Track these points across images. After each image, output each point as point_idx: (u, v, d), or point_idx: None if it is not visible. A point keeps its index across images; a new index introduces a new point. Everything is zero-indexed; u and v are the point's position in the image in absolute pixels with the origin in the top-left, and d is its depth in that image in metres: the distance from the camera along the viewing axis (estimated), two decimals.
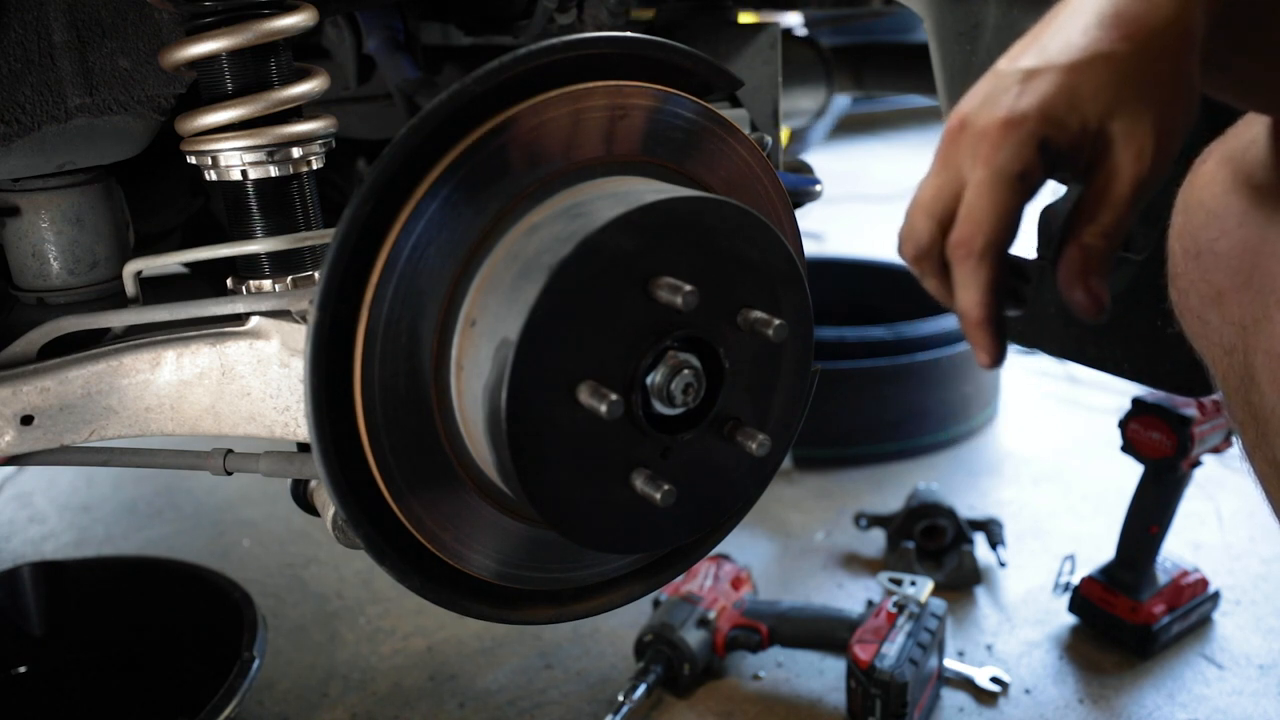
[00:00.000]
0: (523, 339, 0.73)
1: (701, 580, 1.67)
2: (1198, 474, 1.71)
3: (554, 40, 0.79)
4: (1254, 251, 0.83)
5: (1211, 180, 0.86)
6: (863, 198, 4.48)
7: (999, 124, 0.68)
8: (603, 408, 0.74)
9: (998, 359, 0.73)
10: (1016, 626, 1.74)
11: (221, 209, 1.14)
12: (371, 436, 0.78)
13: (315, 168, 0.99)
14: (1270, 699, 1.55)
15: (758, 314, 0.81)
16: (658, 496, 0.78)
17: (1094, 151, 0.68)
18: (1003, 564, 1.89)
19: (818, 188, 1.31)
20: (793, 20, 2.32)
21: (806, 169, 1.37)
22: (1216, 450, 1.69)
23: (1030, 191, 0.69)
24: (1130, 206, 0.68)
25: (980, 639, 1.71)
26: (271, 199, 0.98)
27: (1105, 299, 0.69)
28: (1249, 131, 0.84)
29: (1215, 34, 0.69)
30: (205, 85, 0.97)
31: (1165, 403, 1.64)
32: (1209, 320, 0.88)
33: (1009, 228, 0.69)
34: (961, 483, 2.25)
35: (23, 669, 1.63)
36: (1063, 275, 0.70)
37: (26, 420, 0.98)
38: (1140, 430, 1.66)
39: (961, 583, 1.84)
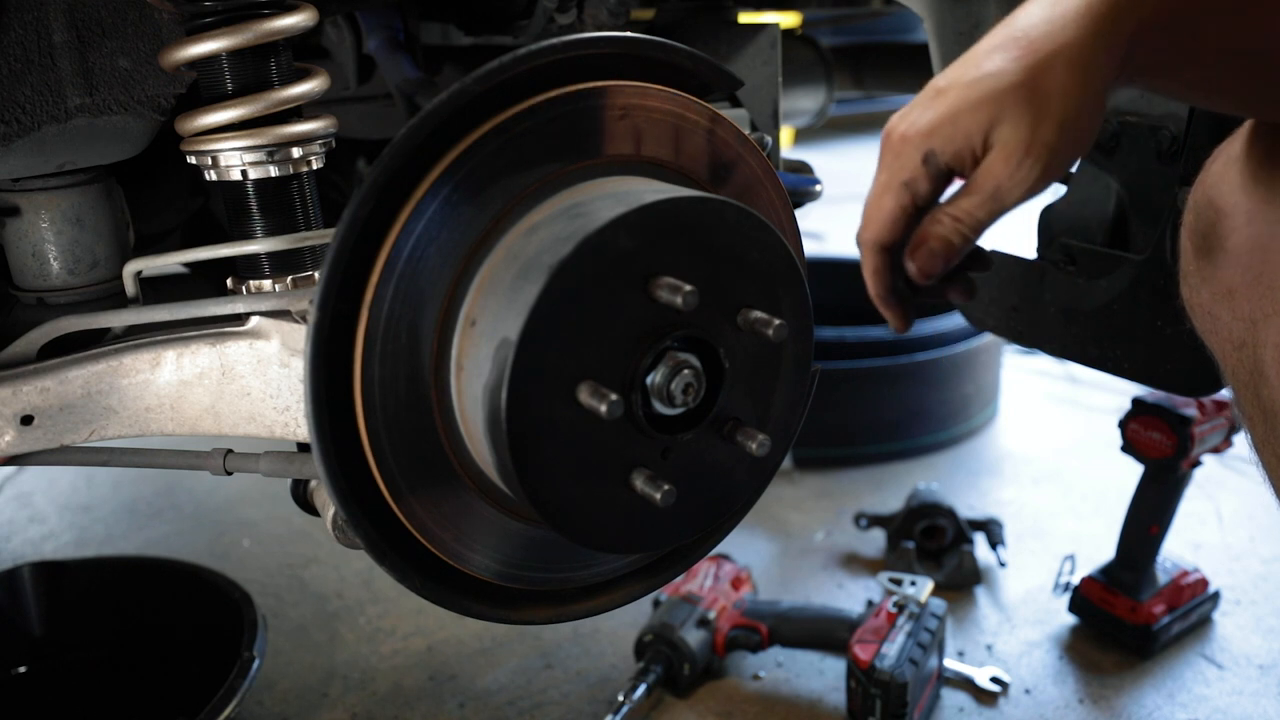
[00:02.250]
0: (523, 339, 0.73)
1: (701, 580, 1.67)
2: (1198, 474, 1.71)
3: (554, 40, 0.79)
4: (1264, 248, 0.84)
5: (1221, 178, 0.87)
6: (862, 198, 4.47)
7: (898, 137, 0.80)
8: (603, 408, 0.74)
9: (901, 329, 0.88)
10: (1016, 626, 1.74)
11: (221, 209, 1.14)
12: (371, 436, 0.78)
13: (315, 168, 0.99)
14: (1270, 699, 1.55)
15: (758, 314, 0.81)
16: (658, 496, 0.78)
17: (980, 156, 0.77)
18: (1003, 564, 1.89)
19: (818, 188, 1.31)
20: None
21: (806, 169, 1.37)
22: (1216, 450, 1.69)
23: (915, 195, 0.80)
24: (988, 201, 0.77)
25: (980, 639, 1.71)
26: (271, 199, 0.98)
27: (931, 272, 0.80)
28: (1258, 129, 0.85)
29: (1157, 46, 0.75)
30: (205, 85, 0.96)
31: (1165, 403, 1.64)
32: (1219, 316, 0.89)
33: (890, 224, 0.81)
34: (961, 483, 2.25)
35: (23, 669, 1.63)
36: (909, 243, 0.81)
37: (26, 420, 0.98)
38: (1140, 430, 1.66)
39: (961, 583, 1.84)
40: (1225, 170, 0.87)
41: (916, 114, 0.79)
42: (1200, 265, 0.90)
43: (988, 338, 2.44)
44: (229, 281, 1.01)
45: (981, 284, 0.96)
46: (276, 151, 0.95)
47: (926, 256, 0.80)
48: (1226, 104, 0.84)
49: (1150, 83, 0.81)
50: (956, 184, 0.81)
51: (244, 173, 0.96)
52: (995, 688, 1.57)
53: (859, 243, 0.84)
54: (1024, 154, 0.74)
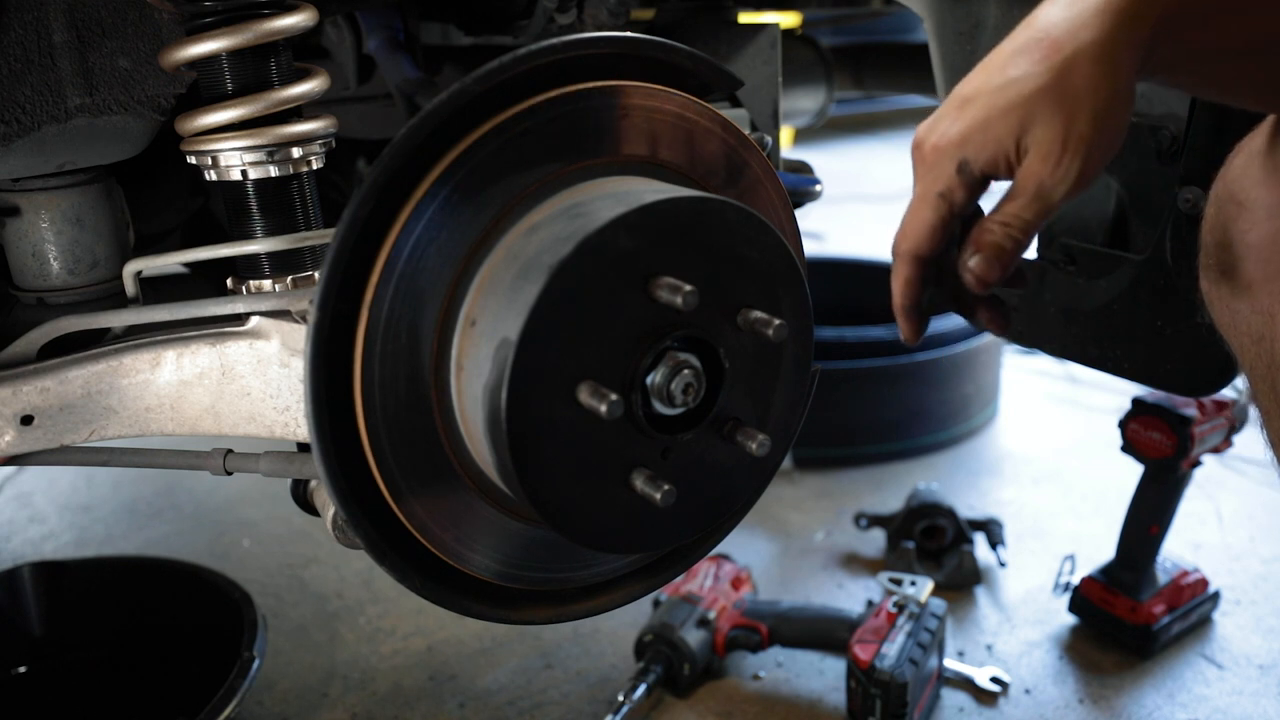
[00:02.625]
0: (523, 339, 0.73)
1: (701, 580, 1.67)
2: (1198, 474, 1.71)
3: (554, 40, 0.79)
4: None
5: (1242, 174, 0.88)
6: (863, 198, 4.48)
7: (930, 148, 0.80)
8: (603, 408, 0.74)
9: (910, 340, 0.88)
10: (1016, 626, 1.74)
11: (221, 209, 1.14)
12: (371, 436, 0.78)
13: (315, 168, 0.99)
14: (1270, 699, 1.55)
15: (758, 314, 0.81)
16: (658, 496, 0.78)
17: (1016, 160, 0.77)
18: (1003, 564, 1.89)
19: (818, 188, 1.31)
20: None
21: (806, 169, 1.37)
22: (1216, 450, 1.69)
23: (952, 206, 0.80)
24: (1033, 202, 0.77)
25: (980, 639, 1.71)
26: (271, 199, 0.98)
27: (988, 279, 0.80)
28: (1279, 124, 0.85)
29: (1178, 40, 0.75)
30: (205, 85, 0.96)
31: (1165, 403, 1.64)
32: (1238, 310, 0.90)
33: (927, 236, 0.82)
34: (961, 483, 2.25)
35: (23, 669, 1.63)
36: (962, 249, 0.82)
37: (26, 420, 0.98)
38: (1140, 430, 1.66)
39: (961, 583, 1.84)
40: (1246, 165, 0.87)
41: (946, 124, 0.79)
42: (1220, 259, 0.90)
43: (988, 338, 2.44)
44: (229, 281, 1.01)
45: None
46: (276, 151, 0.95)
47: (981, 265, 0.80)
48: (1248, 99, 0.84)
49: (1172, 78, 0.81)
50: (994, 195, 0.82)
51: (244, 173, 0.96)
52: (995, 688, 1.57)
53: (895, 254, 0.84)
54: (1061, 150, 0.75)
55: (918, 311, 0.86)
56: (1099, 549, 1.86)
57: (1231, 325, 0.92)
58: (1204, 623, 1.72)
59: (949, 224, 0.81)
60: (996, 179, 0.79)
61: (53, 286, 1.06)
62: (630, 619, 1.67)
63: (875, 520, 1.99)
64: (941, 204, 0.80)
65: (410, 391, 0.79)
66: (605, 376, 0.77)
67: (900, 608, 1.53)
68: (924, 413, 2.38)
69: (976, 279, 0.81)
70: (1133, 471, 1.72)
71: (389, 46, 1.42)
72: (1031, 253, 1.41)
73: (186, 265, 1.36)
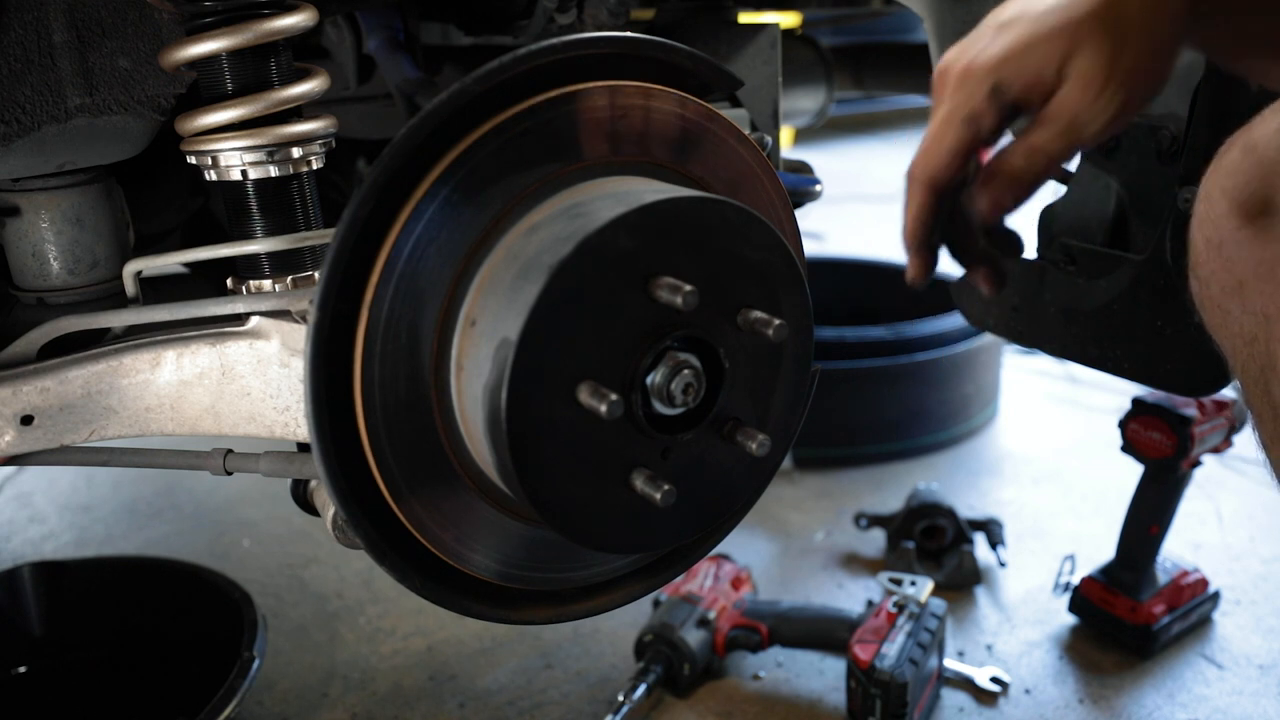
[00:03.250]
0: (523, 339, 0.73)
1: (701, 580, 1.67)
2: (1198, 474, 1.71)
3: (554, 40, 0.79)
4: (1276, 241, 0.84)
5: (1235, 169, 0.87)
6: (863, 198, 4.48)
7: (960, 70, 0.76)
8: (603, 408, 0.74)
9: (916, 280, 0.84)
10: (1016, 626, 1.74)
11: (221, 209, 1.14)
12: (371, 436, 0.78)
13: (315, 168, 0.99)
14: (1270, 699, 1.55)
15: (758, 314, 0.81)
16: (658, 496, 0.78)
17: (1053, 89, 0.73)
18: (1003, 564, 1.89)
19: (818, 188, 1.31)
20: None
21: (806, 169, 1.37)
22: (1216, 450, 1.69)
23: (979, 132, 0.76)
24: (1064, 133, 0.73)
25: (980, 639, 1.71)
26: (271, 199, 0.98)
27: (1002, 205, 0.77)
28: (1273, 120, 0.84)
29: None
30: (205, 85, 0.97)
31: (1165, 403, 1.64)
32: (1230, 310, 0.89)
33: (947, 161, 0.77)
34: (961, 483, 2.25)
35: (23, 669, 1.63)
36: (979, 176, 0.78)
37: (26, 420, 0.98)
38: (1140, 430, 1.66)
39: (961, 583, 1.84)
40: (1239, 160, 0.87)
41: (981, 45, 0.75)
42: (1211, 257, 0.90)
43: (988, 338, 2.44)
44: (229, 281, 1.01)
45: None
46: (276, 151, 0.96)
47: (999, 188, 0.76)
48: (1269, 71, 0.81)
49: (1210, 37, 0.77)
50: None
51: (244, 173, 0.96)
52: (995, 688, 1.57)
53: (909, 178, 0.80)
54: (1104, 82, 0.71)
55: (928, 247, 0.82)
56: (1099, 549, 1.86)
57: (1222, 326, 0.91)
58: (1204, 623, 1.72)
59: (971, 150, 0.77)
60: (1029, 109, 0.75)
61: (53, 286, 1.06)
62: (630, 619, 1.67)
63: (875, 520, 1.99)
64: (966, 129, 0.76)
65: (410, 391, 0.79)
66: (605, 376, 0.77)
67: (900, 608, 1.53)
68: (924, 413, 2.38)
69: (991, 204, 0.76)
70: (1133, 471, 1.72)
71: (389, 46, 1.42)
72: (1031, 253, 1.41)
73: (186, 265, 1.36)
